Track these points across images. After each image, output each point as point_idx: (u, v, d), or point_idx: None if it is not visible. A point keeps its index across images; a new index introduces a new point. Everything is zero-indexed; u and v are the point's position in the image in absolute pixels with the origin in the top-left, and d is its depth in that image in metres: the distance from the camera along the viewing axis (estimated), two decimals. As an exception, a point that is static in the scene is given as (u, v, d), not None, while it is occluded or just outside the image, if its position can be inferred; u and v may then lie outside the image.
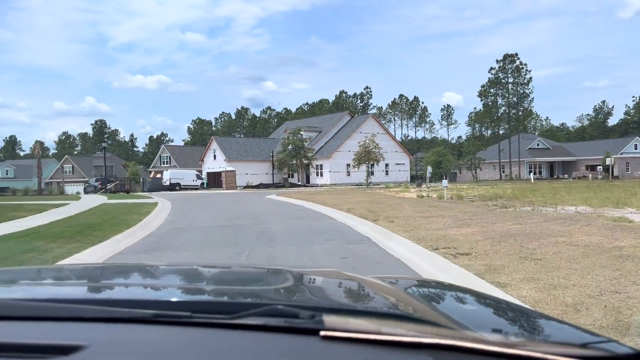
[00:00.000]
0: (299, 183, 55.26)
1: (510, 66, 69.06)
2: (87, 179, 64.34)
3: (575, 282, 5.65)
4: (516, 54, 69.10)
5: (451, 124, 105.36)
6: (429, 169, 39.35)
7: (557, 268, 6.40)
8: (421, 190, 30.93)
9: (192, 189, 52.14)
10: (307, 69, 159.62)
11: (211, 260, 8.61)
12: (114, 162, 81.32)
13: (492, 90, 70.40)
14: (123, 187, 51.39)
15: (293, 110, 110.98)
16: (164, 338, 0.97)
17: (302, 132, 55.30)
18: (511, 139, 68.71)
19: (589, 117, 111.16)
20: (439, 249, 8.35)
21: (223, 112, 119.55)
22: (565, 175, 68.33)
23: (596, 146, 71.99)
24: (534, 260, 7.01)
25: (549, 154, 72.23)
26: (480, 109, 77.61)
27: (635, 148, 68.96)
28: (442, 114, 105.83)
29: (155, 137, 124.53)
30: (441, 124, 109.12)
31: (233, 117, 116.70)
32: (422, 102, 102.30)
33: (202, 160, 60.69)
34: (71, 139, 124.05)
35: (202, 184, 55.56)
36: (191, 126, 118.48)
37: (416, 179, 64.40)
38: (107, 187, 50.32)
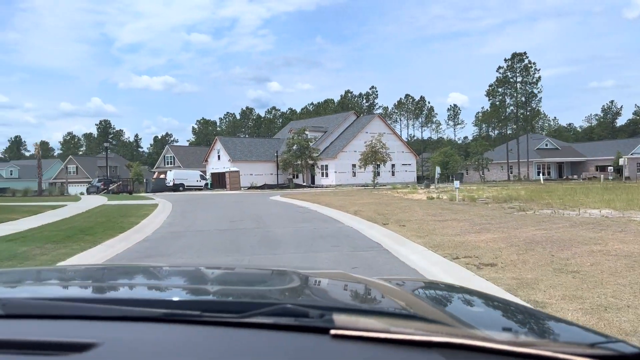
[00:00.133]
0: (304, 184, 54.39)
1: (518, 65, 67.84)
2: (91, 180, 63.74)
3: (628, 302, 4.82)
4: (525, 53, 67.88)
5: (458, 124, 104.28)
6: (438, 169, 38.29)
7: (601, 283, 5.57)
8: (430, 191, 30.05)
9: (195, 189, 51.48)
10: (312, 69, 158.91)
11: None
12: (118, 163, 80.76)
13: (500, 89, 69.19)
14: (126, 188, 50.66)
15: (298, 110, 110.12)
16: (174, 336, 0.98)
17: (307, 132, 54.31)
18: (519, 139, 67.52)
19: (597, 117, 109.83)
20: (459, 258, 7.52)
21: (228, 112, 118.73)
22: (575, 176, 67.12)
23: (605, 146, 70.74)
24: (571, 273, 6.17)
25: (557, 154, 71.06)
26: (487, 109, 76.47)
27: (646, 148, 67.66)
28: (449, 114, 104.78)
29: (160, 137, 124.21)
30: (448, 124, 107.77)
31: (238, 117, 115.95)
32: (429, 102, 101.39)
33: (206, 161, 59.93)
34: (76, 140, 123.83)
35: (206, 184, 54.82)
36: (196, 126, 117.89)
37: (422, 179, 63.53)
38: (110, 188, 49.62)
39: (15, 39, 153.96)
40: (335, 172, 53.41)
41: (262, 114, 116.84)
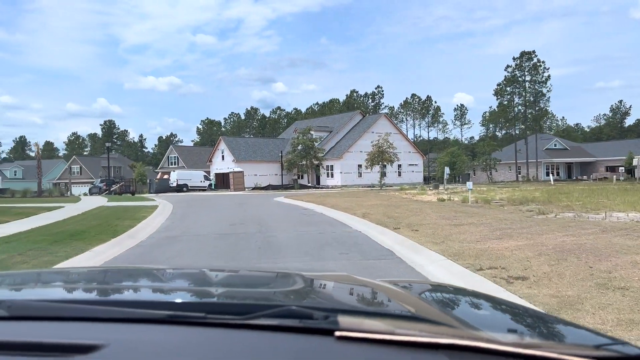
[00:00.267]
0: (309, 184, 53.46)
1: (527, 64, 66.59)
2: (94, 180, 63.16)
3: None
4: (533, 52, 66.58)
5: (465, 124, 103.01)
6: (447, 170, 37.20)
7: (660, 304, 4.71)
8: (439, 192, 29.14)
9: (199, 190, 50.76)
10: (317, 70, 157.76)
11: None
12: (122, 163, 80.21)
13: (508, 88, 67.99)
14: (128, 189, 49.96)
15: (303, 110, 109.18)
16: (179, 338, 0.98)
17: (312, 132, 53.35)
18: (528, 139, 66.33)
19: (605, 117, 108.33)
20: (483, 269, 6.67)
21: (232, 113, 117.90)
22: (584, 177, 65.91)
23: (615, 147, 69.44)
24: (619, 289, 5.31)
25: (566, 154, 69.84)
26: (494, 109, 75.27)
27: (657, 148, 66.30)
28: (455, 113, 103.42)
29: (164, 137, 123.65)
30: (454, 124, 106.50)
31: (242, 117, 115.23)
32: (435, 102, 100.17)
33: (210, 161, 59.14)
34: (80, 140, 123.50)
35: (210, 185, 54.07)
36: (200, 127, 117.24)
37: (429, 180, 62.54)
38: (112, 189, 48.93)
39: (21, 41, 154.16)
40: (341, 172, 52.50)
41: (267, 114, 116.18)
